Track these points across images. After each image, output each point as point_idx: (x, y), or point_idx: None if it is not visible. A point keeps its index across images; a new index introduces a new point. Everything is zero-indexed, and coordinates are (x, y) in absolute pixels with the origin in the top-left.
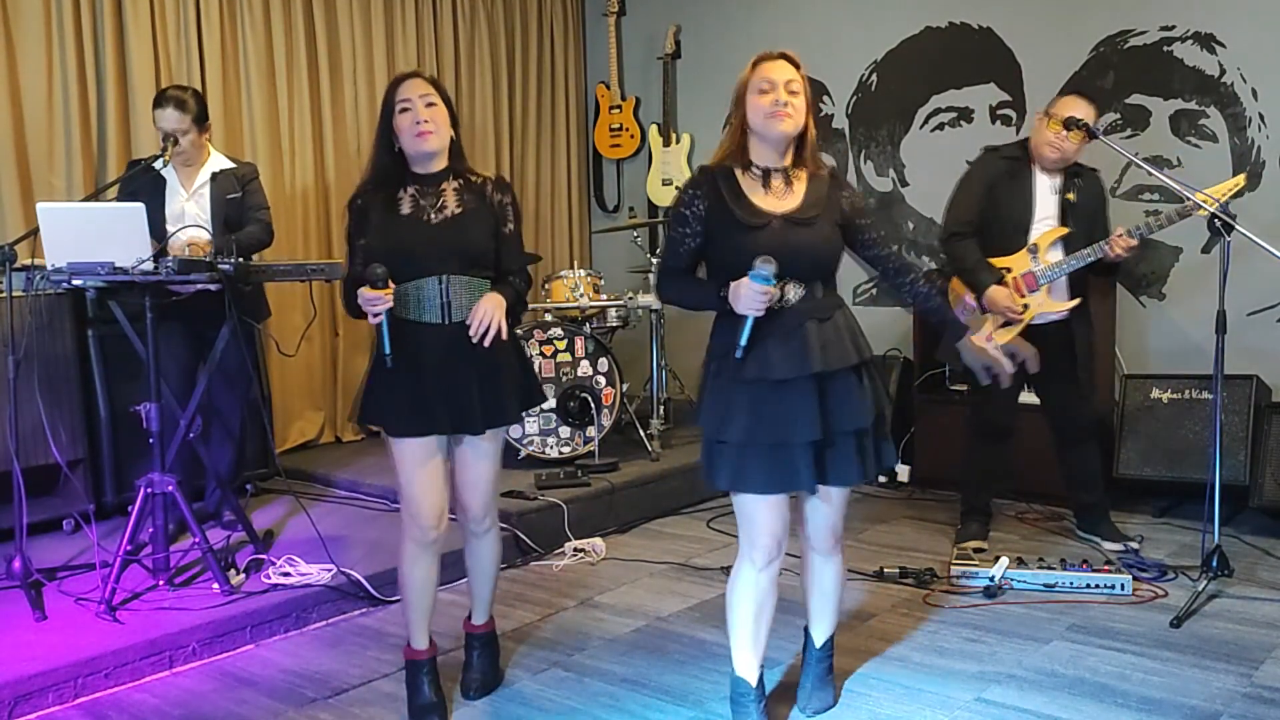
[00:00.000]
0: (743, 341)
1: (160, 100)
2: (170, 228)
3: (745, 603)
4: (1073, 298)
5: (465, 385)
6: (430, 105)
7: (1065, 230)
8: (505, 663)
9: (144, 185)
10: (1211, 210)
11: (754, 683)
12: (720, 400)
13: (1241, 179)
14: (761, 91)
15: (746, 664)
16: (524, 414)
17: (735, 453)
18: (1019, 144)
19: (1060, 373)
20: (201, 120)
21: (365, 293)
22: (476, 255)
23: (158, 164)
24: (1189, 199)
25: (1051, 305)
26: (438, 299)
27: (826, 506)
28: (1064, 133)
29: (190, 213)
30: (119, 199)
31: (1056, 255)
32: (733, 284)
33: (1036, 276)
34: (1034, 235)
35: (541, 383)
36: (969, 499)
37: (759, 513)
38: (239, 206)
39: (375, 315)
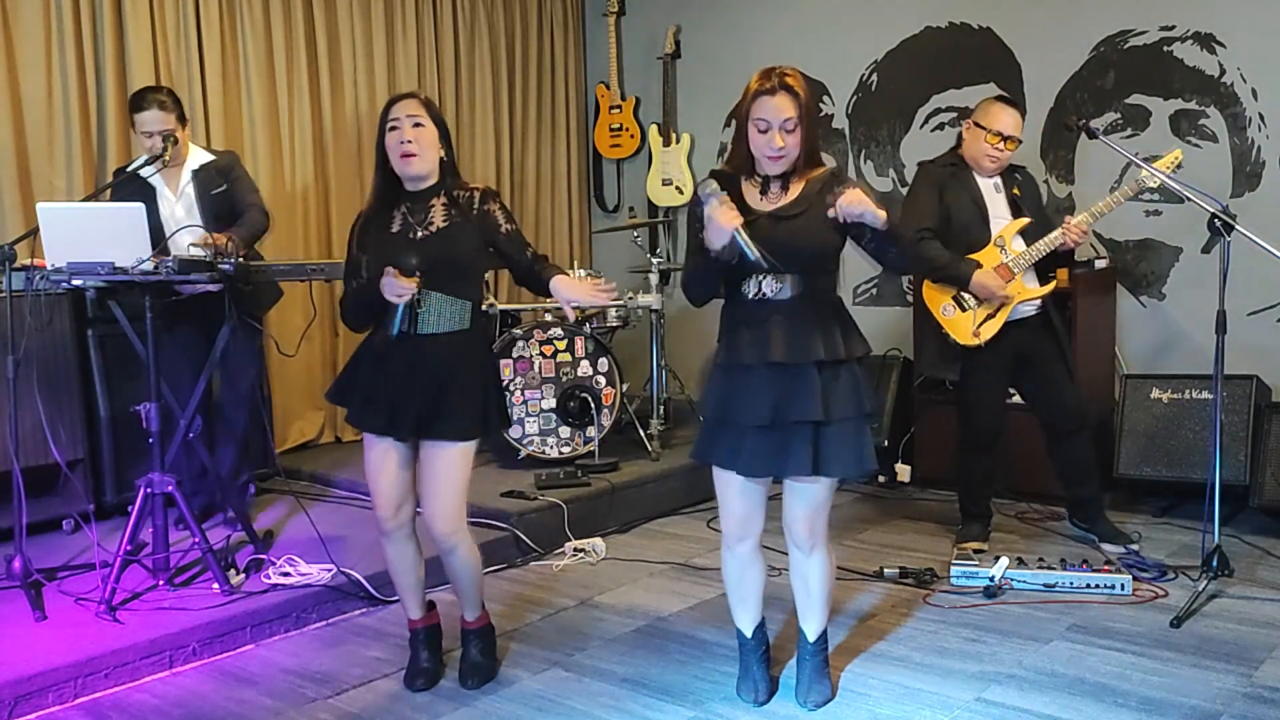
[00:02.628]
0: (747, 252)
1: (140, 103)
2: (166, 233)
3: (727, 572)
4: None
5: (411, 394)
6: (417, 125)
7: (1026, 221)
8: (505, 663)
9: (134, 194)
10: (1212, 210)
11: (749, 634)
12: (709, 381)
13: (1179, 153)
14: (760, 130)
15: (740, 619)
16: (473, 438)
17: (706, 427)
18: (951, 152)
19: (1044, 364)
20: (183, 118)
21: (395, 280)
22: (460, 268)
23: (155, 165)
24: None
25: (1029, 292)
26: (405, 309)
27: (795, 500)
28: (1001, 144)
29: (179, 215)
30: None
31: (1021, 245)
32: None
33: (1010, 267)
34: (995, 230)
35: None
36: (967, 505)
37: (724, 495)
38: (228, 199)
39: (399, 297)
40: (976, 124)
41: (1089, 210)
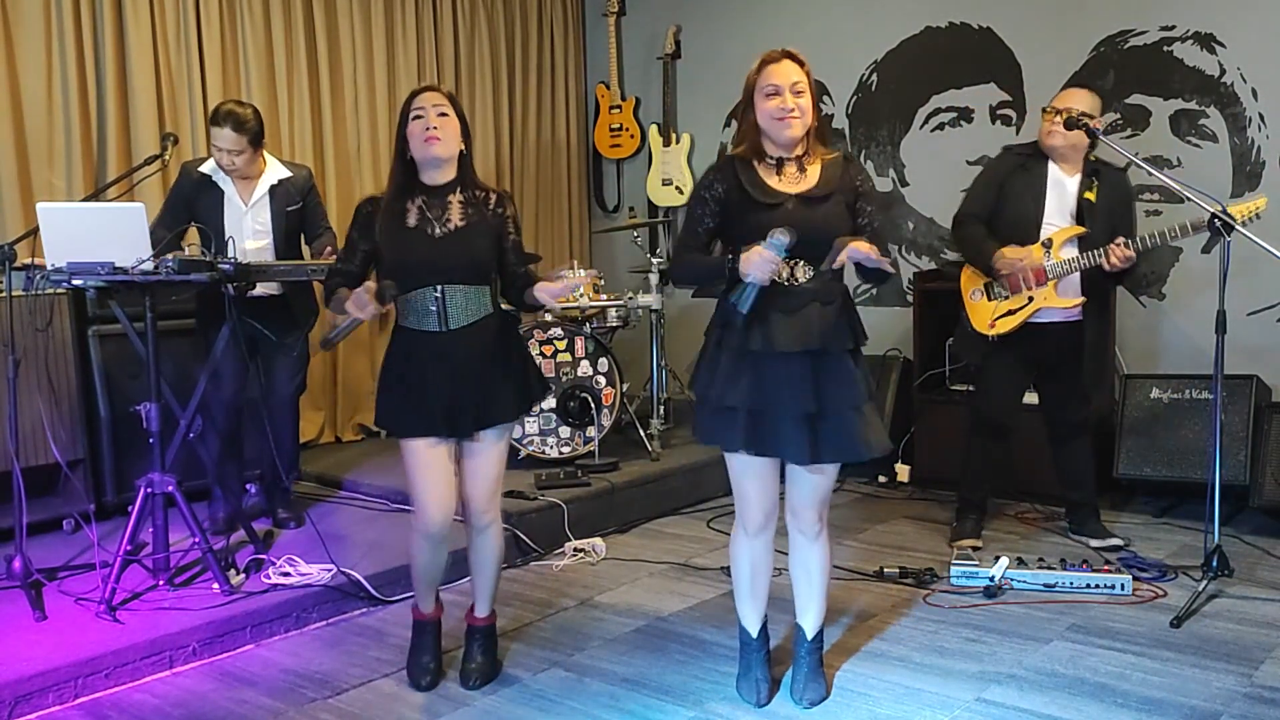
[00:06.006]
0: (744, 307)
1: (218, 118)
2: (229, 239)
3: (741, 564)
4: (1086, 298)
5: (459, 390)
6: (442, 115)
7: (1081, 230)
8: (505, 663)
9: (201, 197)
10: (1213, 211)
11: (754, 633)
12: (716, 366)
13: (1263, 202)
14: (768, 95)
15: (747, 615)
16: (525, 414)
17: (728, 415)
18: (1033, 142)
19: (1064, 371)
20: (258, 141)
21: (364, 295)
22: (478, 266)
23: (154, 165)
24: (1204, 212)
25: (1057, 302)
26: (434, 307)
27: (806, 487)
28: (1055, 118)
29: (248, 225)
30: (170, 204)
31: (1071, 253)
32: (745, 252)
33: (1046, 271)
34: (1047, 231)
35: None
36: (965, 494)
37: (745, 488)
38: (299, 217)
39: (362, 312)
40: (1045, 107)
41: (1140, 238)
